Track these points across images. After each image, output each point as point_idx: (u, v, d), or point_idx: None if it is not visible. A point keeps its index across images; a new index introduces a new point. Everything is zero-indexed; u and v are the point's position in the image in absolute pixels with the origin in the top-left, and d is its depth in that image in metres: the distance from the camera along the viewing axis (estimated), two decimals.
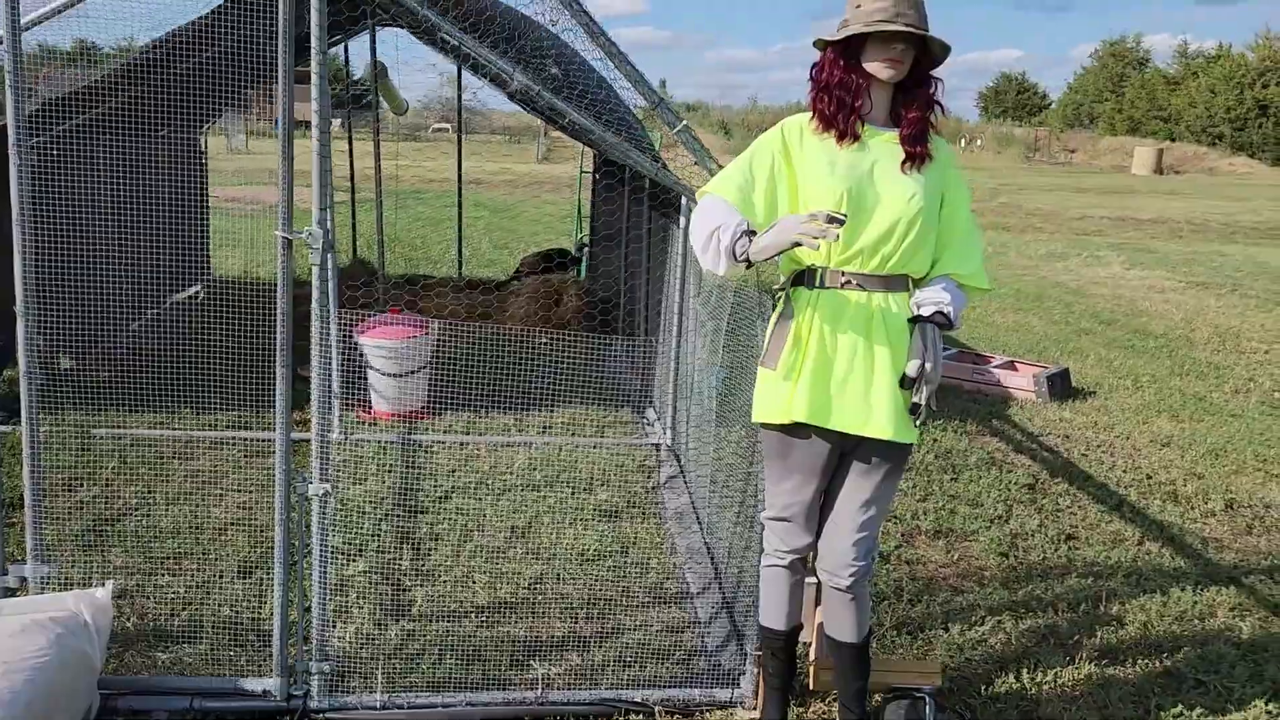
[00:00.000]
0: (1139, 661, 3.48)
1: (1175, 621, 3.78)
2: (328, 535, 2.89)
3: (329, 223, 2.83)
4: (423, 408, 5.59)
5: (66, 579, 3.54)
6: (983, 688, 3.27)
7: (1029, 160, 45.90)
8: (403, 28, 6.71)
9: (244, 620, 3.37)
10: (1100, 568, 4.20)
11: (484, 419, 5.56)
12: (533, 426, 5.50)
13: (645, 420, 5.76)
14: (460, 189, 9.15)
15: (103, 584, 2.87)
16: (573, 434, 5.43)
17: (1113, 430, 6.11)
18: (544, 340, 5.61)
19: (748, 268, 2.54)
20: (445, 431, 5.38)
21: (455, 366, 5.69)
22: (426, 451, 5.08)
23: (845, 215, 2.37)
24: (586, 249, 8.83)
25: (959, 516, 4.63)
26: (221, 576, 3.66)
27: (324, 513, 2.87)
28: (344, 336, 5.35)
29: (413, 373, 5.47)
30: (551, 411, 5.72)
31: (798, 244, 2.37)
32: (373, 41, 7.15)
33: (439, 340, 5.68)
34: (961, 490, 4.96)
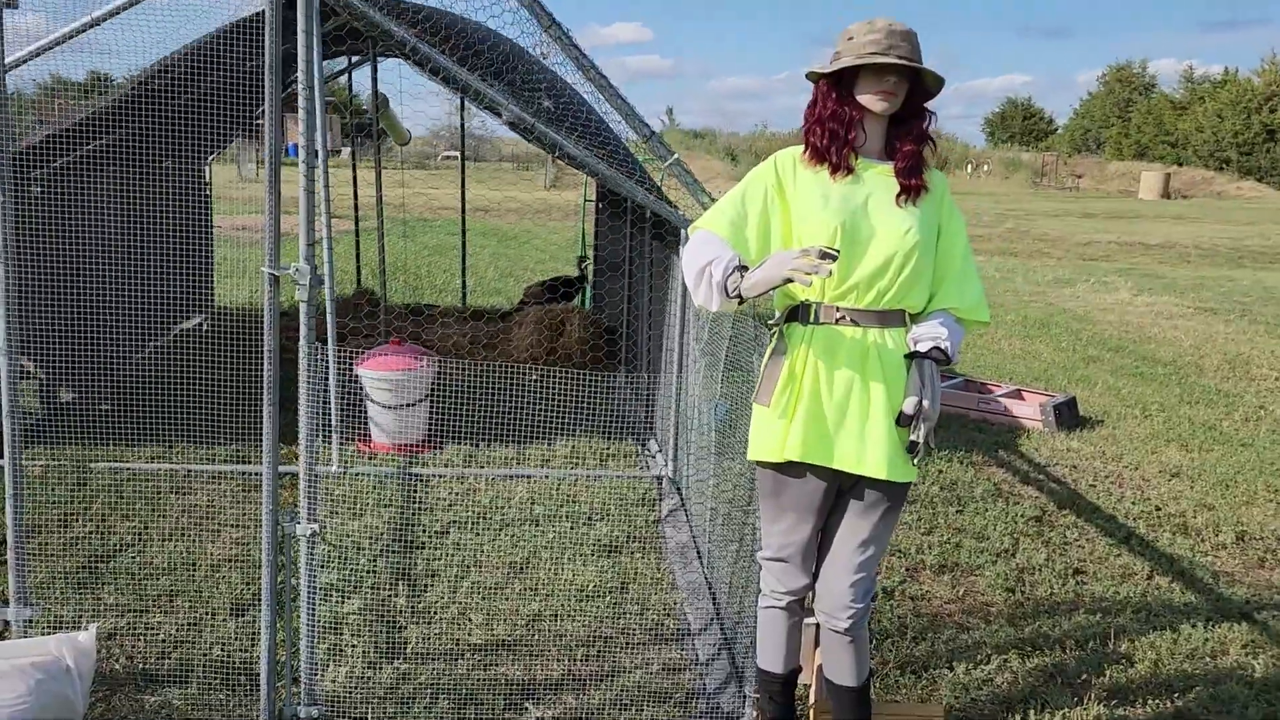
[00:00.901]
0: (1149, 701, 3.39)
1: (1186, 659, 3.69)
2: (316, 576, 2.84)
3: (318, 256, 2.80)
4: (422, 440, 5.55)
5: (57, 618, 3.50)
6: None
7: (1036, 185, 45.91)
8: (405, 58, 6.74)
9: (235, 661, 3.31)
10: (1109, 603, 4.11)
11: (484, 451, 5.51)
12: (533, 458, 5.45)
13: (647, 452, 5.71)
14: (464, 217, 9.14)
15: (86, 627, 2.82)
16: (574, 466, 5.38)
17: (1121, 460, 6.02)
18: (546, 374, 5.57)
19: (740, 304, 2.50)
20: (445, 465, 5.33)
21: (456, 398, 5.65)
22: (425, 485, 5.03)
23: (838, 250, 2.33)
24: (587, 264, 8.78)
25: (964, 550, 4.55)
26: (214, 616, 3.60)
27: (312, 552, 2.82)
28: (343, 368, 5.31)
29: (412, 405, 5.43)
30: (552, 443, 5.67)
31: (790, 280, 2.32)
32: (374, 72, 7.17)
33: (439, 372, 5.64)
34: (967, 523, 4.88)
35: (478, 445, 5.56)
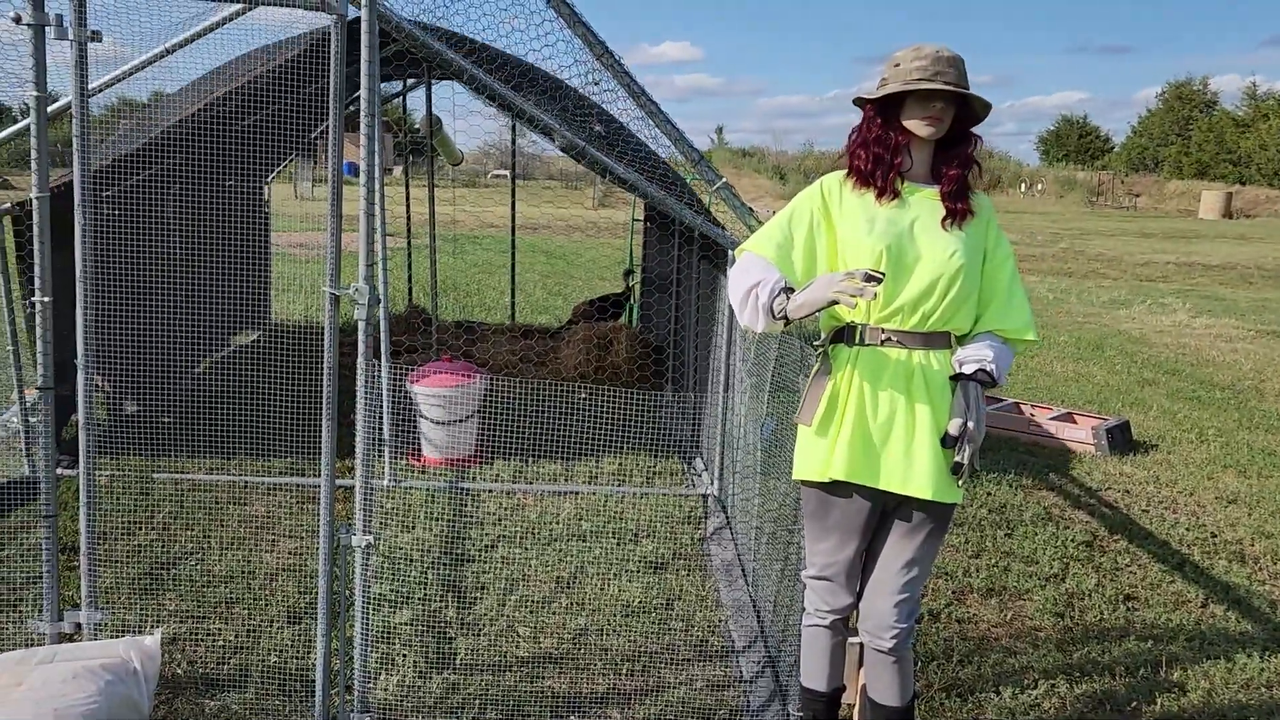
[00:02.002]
0: None
1: (1241, 689, 3.63)
2: (370, 586, 2.92)
3: (377, 277, 2.89)
4: (472, 455, 5.64)
5: (123, 624, 3.63)
6: None
7: (1092, 205, 45.21)
8: (460, 81, 6.89)
9: (291, 668, 3.40)
10: (1161, 630, 4.06)
11: (532, 467, 5.59)
12: (580, 475, 5.52)
13: (694, 470, 5.75)
14: (514, 235, 9.28)
15: (152, 631, 2.93)
16: (620, 483, 5.43)
17: (1176, 486, 5.93)
18: (593, 391, 5.65)
19: (785, 325, 2.54)
20: (494, 479, 5.42)
21: (505, 414, 5.74)
22: (474, 499, 5.12)
23: (883, 273, 2.36)
24: (634, 280, 8.86)
25: (1013, 574, 4.52)
26: (271, 624, 3.71)
27: (366, 564, 2.90)
28: (395, 385, 5.43)
29: (463, 420, 5.53)
30: (599, 460, 5.73)
31: (835, 302, 2.36)
32: (428, 95, 7.33)
33: (489, 388, 5.73)
34: (1016, 547, 4.84)
35: (526, 461, 5.64)
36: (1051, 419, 6.81)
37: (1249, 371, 9.51)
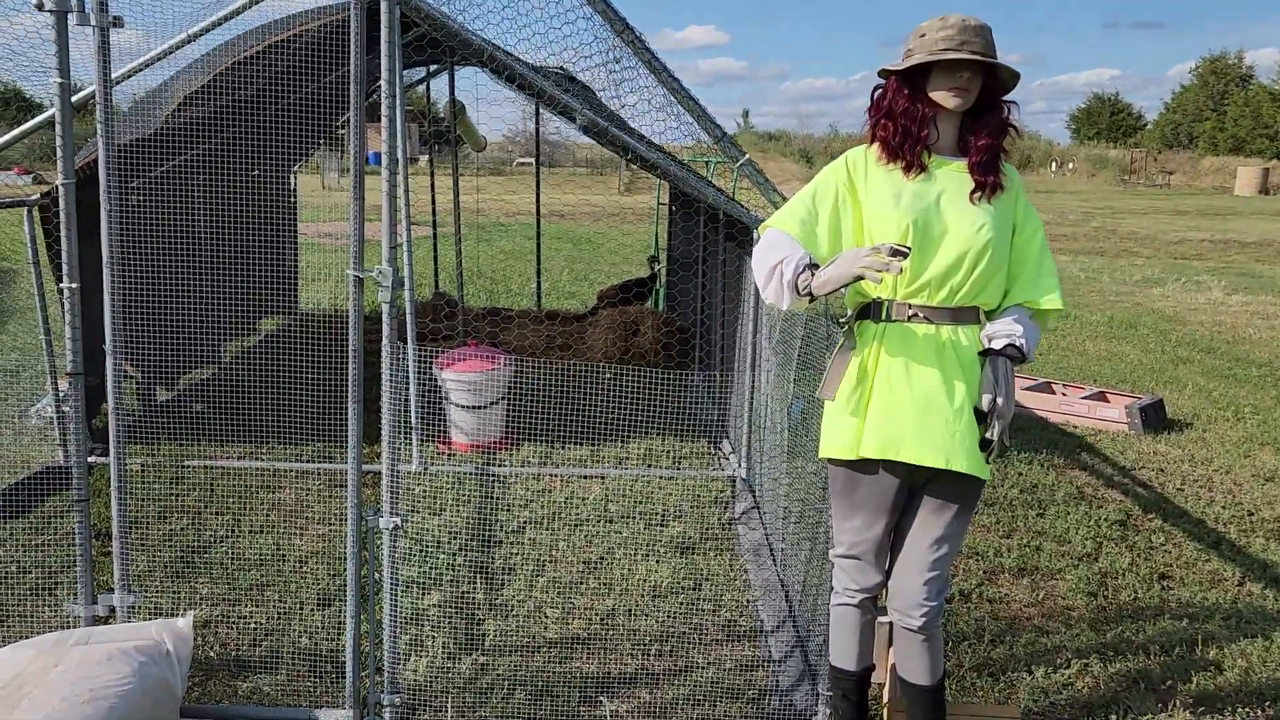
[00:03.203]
0: (1239, 710, 3.29)
1: (1279, 668, 3.57)
2: (399, 568, 2.93)
3: (398, 260, 2.89)
4: (499, 439, 5.66)
5: (156, 607, 3.68)
6: None
7: (1124, 183, 44.56)
8: (482, 66, 6.88)
9: (322, 651, 3.43)
10: (1196, 609, 4.00)
11: (559, 450, 5.60)
12: (608, 458, 5.51)
13: (721, 452, 5.73)
14: (539, 222, 9.28)
15: (184, 615, 2.96)
16: (648, 465, 5.43)
17: (1211, 464, 5.84)
18: (620, 375, 5.64)
19: (811, 302, 2.51)
20: (522, 463, 5.43)
21: (532, 398, 5.74)
22: (502, 483, 5.13)
23: (909, 248, 2.33)
24: (660, 265, 8.85)
25: (1045, 554, 4.47)
26: (302, 607, 3.74)
27: (394, 546, 2.91)
28: (423, 370, 5.45)
29: (491, 405, 5.54)
30: (626, 443, 5.72)
31: (860, 277, 2.33)
32: (451, 80, 7.32)
33: (515, 372, 5.74)
34: (1048, 526, 4.79)
35: (553, 445, 5.64)
36: (1084, 398, 6.72)
37: None
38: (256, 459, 5.30)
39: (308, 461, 5.29)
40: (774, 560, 4.21)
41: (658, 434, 5.82)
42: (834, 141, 53.47)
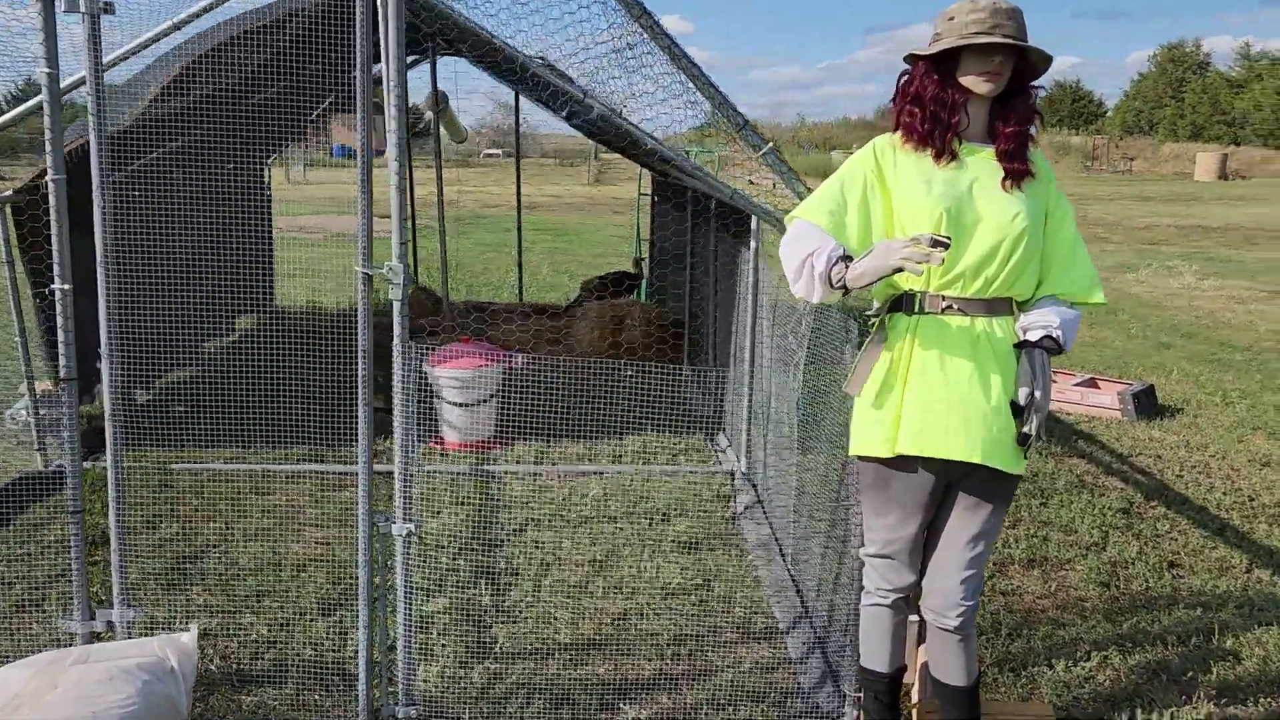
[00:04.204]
0: (1261, 700, 3.27)
1: None
2: (413, 576, 2.82)
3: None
4: (493, 437, 5.54)
5: (151, 620, 3.53)
6: None
7: (1087, 170, 45.01)
8: (462, 56, 6.73)
9: (328, 661, 3.31)
10: (1208, 598, 3.98)
11: (554, 448, 5.49)
12: (604, 455, 5.42)
13: (717, 447, 5.65)
14: (520, 213, 9.14)
15: (187, 628, 2.84)
16: (645, 462, 5.34)
17: (1207, 450, 5.85)
18: (613, 369, 5.55)
19: (844, 295, 2.43)
20: (516, 461, 5.32)
21: (524, 395, 5.63)
22: (498, 482, 5.02)
23: (949, 238, 2.25)
24: (644, 263, 8.80)
25: (1052, 544, 4.44)
26: (303, 615, 3.61)
27: (408, 552, 2.80)
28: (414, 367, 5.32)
29: (483, 402, 5.42)
30: (622, 439, 5.63)
31: (899, 269, 2.25)
32: (433, 70, 7.17)
33: (509, 369, 5.62)
34: (1053, 516, 4.76)
35: (548, 442, 5.54)
36: (1075, 385, 6.72)
37: (1266, 333, 9.43)
38: (244, 462, 5.15)
39: (298, 463, 5.14)
40: (784, 557, 4.14)
41: (653, 429, 5.73)
42: (801, 130, 53.55)
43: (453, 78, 8.89)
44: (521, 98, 8.23)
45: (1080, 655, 3.51)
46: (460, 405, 5.37)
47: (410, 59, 8.30)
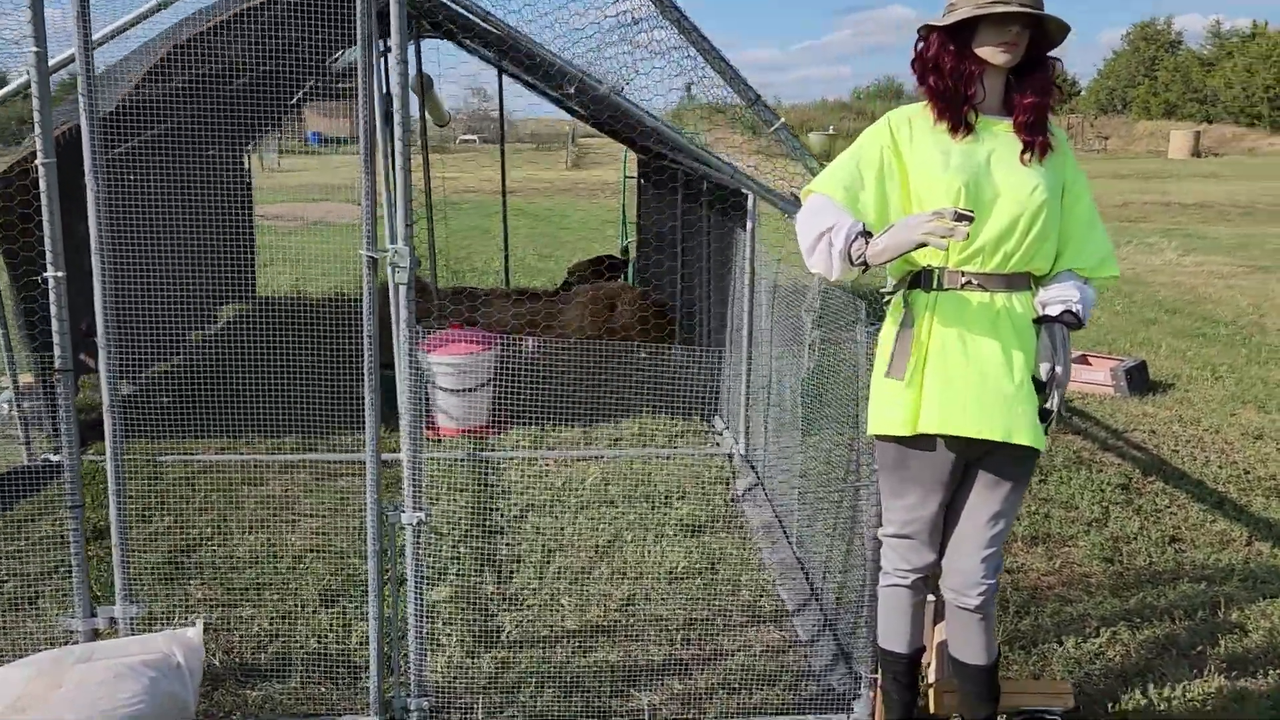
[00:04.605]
0: (1271, 672, 3.27)
1: None
2: (423, 566, 2.77)
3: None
4: (487, 423, 5.48)
5: (149, 615, 3.46)
6: (1109, 705, 3.08)
7: None
8: (452, 39, 6.62)
9: (332, 653, 3.25)
10: (1212, 571, 3.99)
11: (550, 433, 5.44)
12: (600, 439, 5.37)
13: (713, 429, 5.62)
14: (505, 198, 9.05)
15: (192, 623, 2.77)
16: (642, 446, 5.29)
17: (1199, 424, 5.87)
18: (606, 353, 5.50)
19: (864, 271, 2.38)
20: (512, 447, 5.26)
21: (518, 380, 5.57)
22: (495, 469, 4.96)
23: (973, 212, 2.21)
24: (630, 248, 8.76)
25: (1054, 521, 4.44)
26: (304, 607, 3.55)
27: (418, 541, 2.75)
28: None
29: (478, 388, 5.36)
30: (618, 423, 5.58)
31: (923, 244, 2.21)
32: (418, 53, 7.06)
33: (503, 354, 5.56)
34: (1053, 493, 4.76)
35: (543, 427, 5.48)
36: None
37: (1247, 307, 9.49)
38: (235, 453, 5.06)
39: (290, 453, 5.06)
40: (788, 539, 4.11)
41: (649, 413, 5.69)
42: (776, 110, 53.33)
43: (430, 61, 8.75)
44: (507, 82, 8.13)
45: (1089, 631, 3.51)
46: (454, 391, 5.30)
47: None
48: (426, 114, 7.91)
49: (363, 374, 2.64)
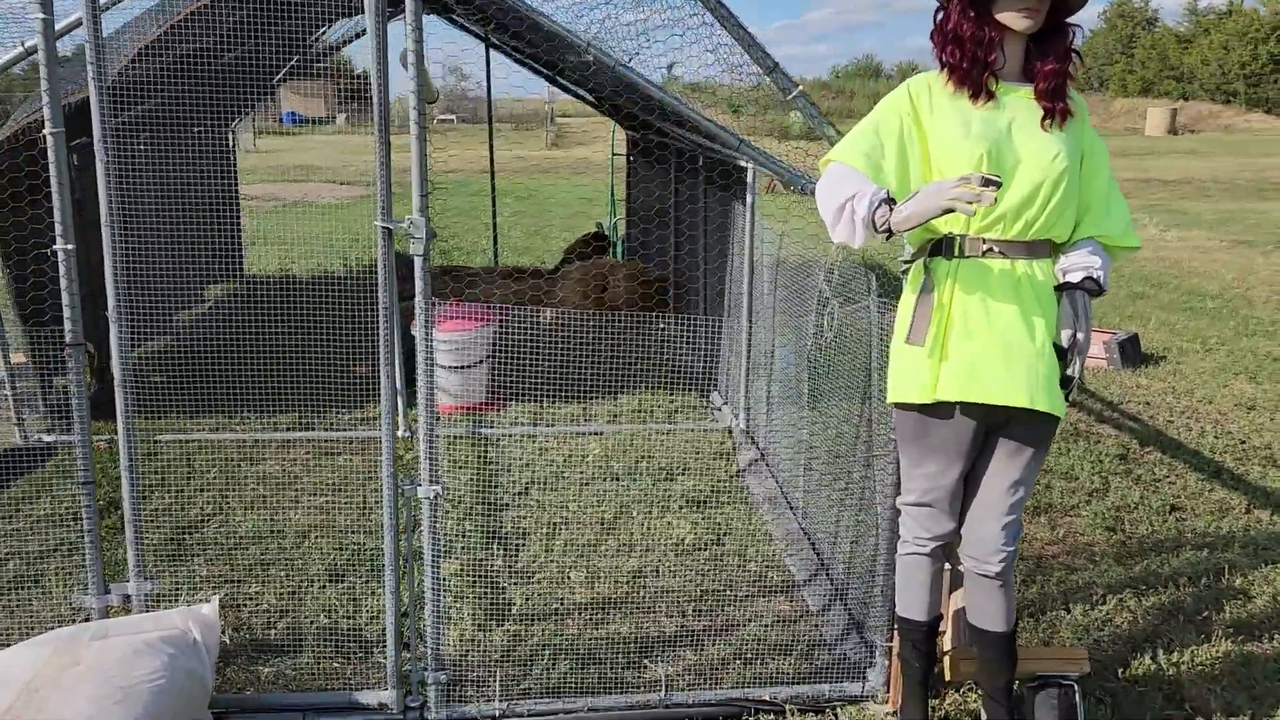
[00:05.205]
0: (1277, 636, 3.31)
1: None
2: (449, 541, 2.75)
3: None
4: (486, 399, 5.45)
5: (157, 593, 3.42)
6: (1119, 670, 3.11)
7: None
8: (437, 13, 6.54)
9: (342, 628, 3.24)
10: (1213, 539, 4.03)
11: (549, 409, 5.42)
12: (599, 415, 5.36)
13: (711, 404, 5.61)
14: (493, 177, 8.99)
15: (208, 599, 2.74)
16: (641, 421, 5.28)
17: (1193, 395, 5.92)
18: (604, 328, 5.49)
19: (888, 238, 2.37)
20: (512, 423, 5.24)
21: (515, 356, 5.54)
22: (496, 445, 4.94)
23: (999, 177, 2.20)
24: (615, 227, 8.77)
25: (1055, 491, 4.47)
26: (312, 583, 3.53)
27: (434, 515, 2.73)
28: (402, 331, 5.20)
29: (476, 364, 5.32)
30: (616, 399, 5.57)
31: (949, 210, 2.20)
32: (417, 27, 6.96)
33: (499, 330, 5.53)
34: (1053, 464, 4.79)
35: (542, 403, 5.46)
36: None
37: (1232, 281, 9.57)
38: (232, 430, 5.02)
39: (287, 430, 5.02)
40: (793, 510, 4.12)
41: (647, 388, 5.68)
42: (758, 91, 53.30)
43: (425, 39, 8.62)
44: (503, 61, 8.05)
45: (1096, 599, 3.54)
46: (453, 368, 5.26)
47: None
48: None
49: (378, 347, 2.61)
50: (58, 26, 2.94)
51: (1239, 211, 15.50)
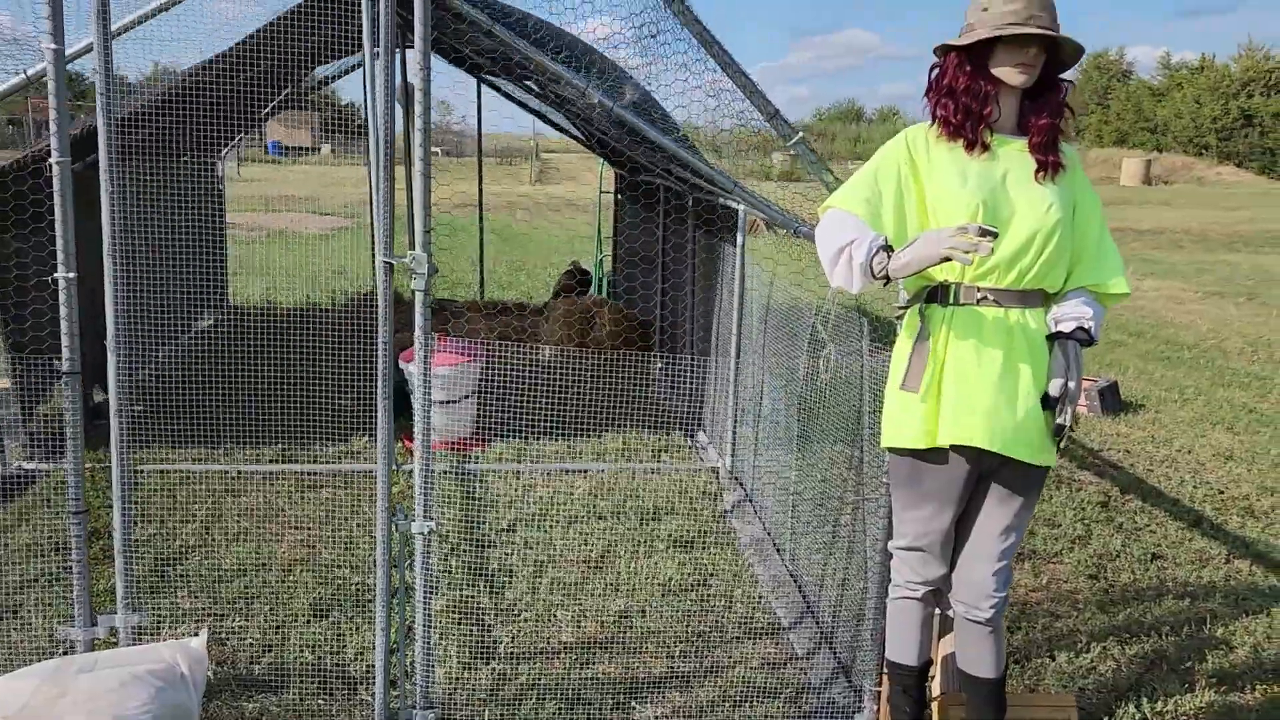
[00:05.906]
0: (1258, 687, 3.34)
1: None
2: (434, 578, 2.74)
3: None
4: (471, 435, 5.44)
5: (138, 625, 3.38)
6: (1104, 719, 3.13)
7: None
8: (455, 55, 6.60)
9: (327, 664, 3.20)
10: (1194, 588, 4.07)
11: (534, 446, 5.41)
12: (585, 453, 5.36)
13: (697, 444, 5.63)
14: (481, 211, 9.03)
15: (196, 633, 2.71)
16: (627, 460, 5.29)
17: (1172, 444, 5.99)
18: (589, 369, 5.51)
19: (885, 284, 2.41)
20: (497, 459, 5.23)
21: (501, 392, 5.54)
22: (481, 481, 4.93)
23: (997, 229, 2.25)
24: (602, 265, 8.83)
25: (1039, 537, 4.50)
26: (296, 619, 3.49)
27: (428, 551, 2.72)
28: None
29: (462, 399, 5.32)
30: (601, 437, 5.57)
31: (947, 259, 2.24)
32: (403, 64, 7.03)
33: (486, 367, 5.53)
34: (1036, 510, 4.80)
35: (527, 440, 5.46)
36: None
37: (1207, 332, 9.72)
38: (216, 462, 4.98)
39: (270, 463, 4.99)
40: (779, 553, 4.12)
41: (633, 427, 5.69)
42: (737, 136, 53.83)
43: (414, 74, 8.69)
44: (469, 96, 8.13)
45: (1080, 647, 3.56)
46: (438, 404, 5.26)
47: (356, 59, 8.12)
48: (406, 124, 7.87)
49: (375, 382, 2.61)
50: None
51: (1211, 263, 15.78)
